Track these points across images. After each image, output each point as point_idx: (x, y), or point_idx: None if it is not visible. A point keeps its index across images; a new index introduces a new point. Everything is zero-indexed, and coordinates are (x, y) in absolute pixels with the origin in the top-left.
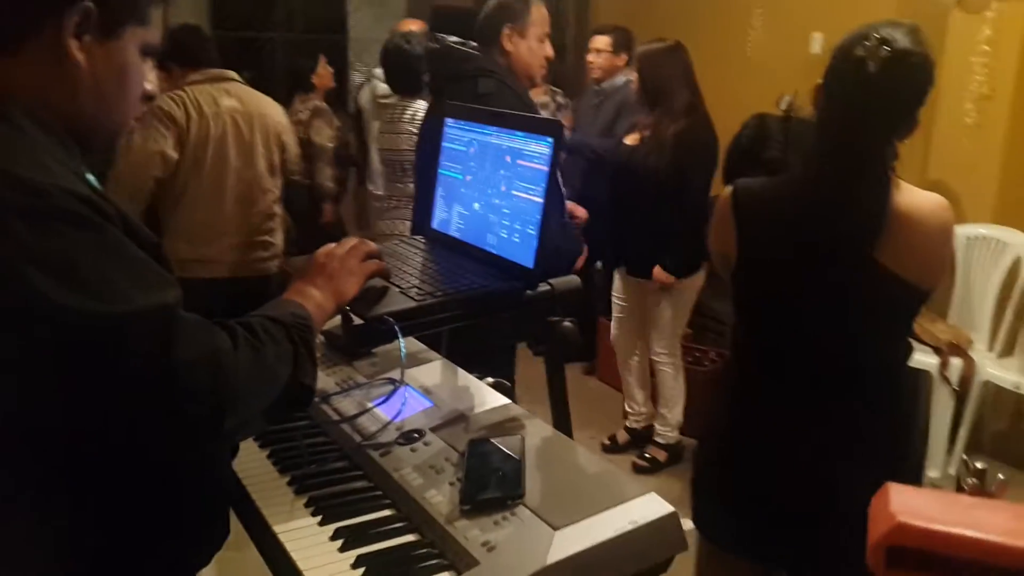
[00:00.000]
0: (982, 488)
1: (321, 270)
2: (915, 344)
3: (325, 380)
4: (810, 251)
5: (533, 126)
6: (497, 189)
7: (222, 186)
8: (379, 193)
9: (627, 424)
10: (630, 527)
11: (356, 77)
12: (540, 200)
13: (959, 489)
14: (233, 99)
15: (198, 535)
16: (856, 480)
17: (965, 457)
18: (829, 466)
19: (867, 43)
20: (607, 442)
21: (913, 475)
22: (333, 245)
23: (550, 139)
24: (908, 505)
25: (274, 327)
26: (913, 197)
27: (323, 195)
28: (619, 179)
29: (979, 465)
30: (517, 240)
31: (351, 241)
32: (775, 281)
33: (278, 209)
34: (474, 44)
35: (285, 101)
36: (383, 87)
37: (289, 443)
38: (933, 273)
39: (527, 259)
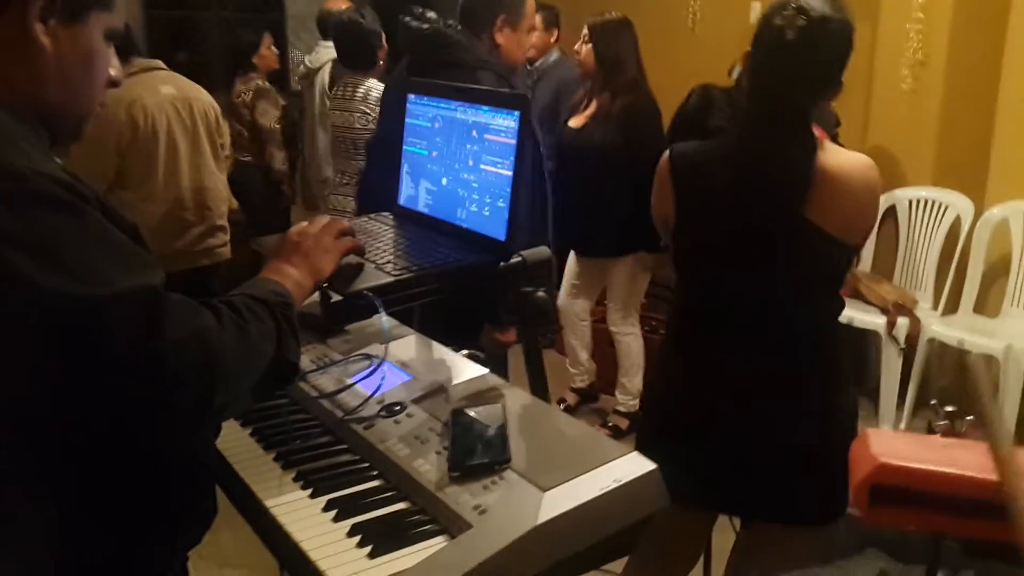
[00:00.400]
0: (952, 430)
1: (296, 248)
2: (863, 305)
3: (301, 358)
4: (742, 210)
5: (499, 100)
6: (465, 164)
7: (176, 177)
8: (326, 174)
9: (572, 386)
10: (614, 485)
11: (295, 56)
12: (509, 173)
13: (930, 432)
14: (169, 86)
15: (187, 515)
16: (791, 430)
17: (934, 402)
18: (765, 417)
19: (785, 12)
20: (559, 406)
21: (848, 426)
22: (306, 223)
23: (517, 112)
24: (888, 447)
25: (256, 305)
26: (839, 157)
27: (280, 179)
28: (565, 161)
29: (948, 408)
30: (487, 214)
31: (324, 219)
32: (710, 241)
33: (227, 193)
34: (453, 24)
35: (225, 82)
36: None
37: (271, 421)
38: (859, 229)
39: (499, 232)
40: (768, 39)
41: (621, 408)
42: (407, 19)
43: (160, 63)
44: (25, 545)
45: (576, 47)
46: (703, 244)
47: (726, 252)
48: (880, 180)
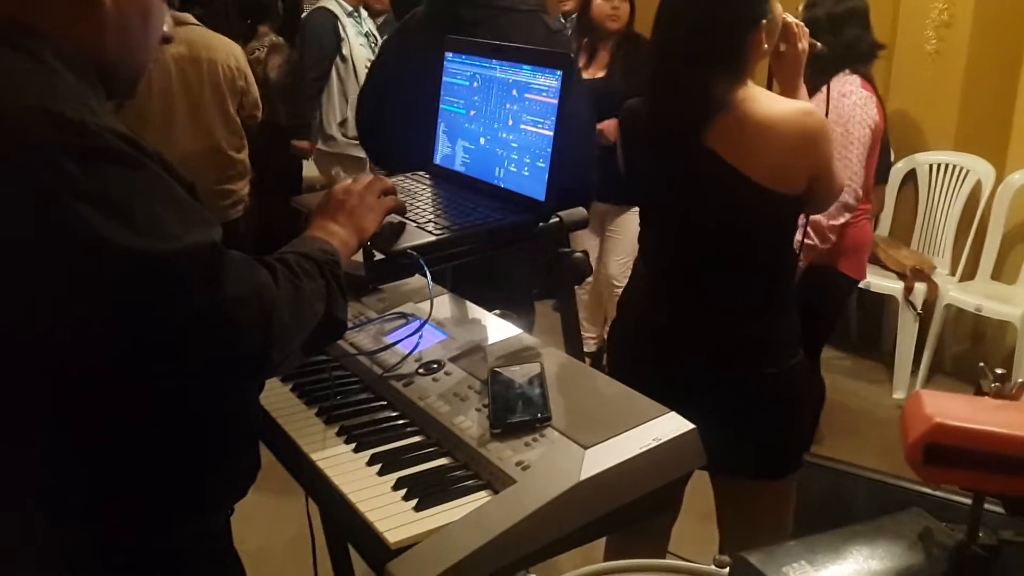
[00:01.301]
0: (1003, 391)
1: (341, 206)
2: (880, 270)
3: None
4: (654, 145)
5: (541, 59)
6: (504, 123)
7: (171, 139)
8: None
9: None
10: (653, 444)
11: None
12: (550, 134)
13: (980, 393)
14: (181, 45)
15: (232, 470)
16: (731, 386)
17: (982, 364)
18: (703, 371)
19: None
20: None
21: (797, 387)
22: (350, 181)
23: (559, 71)
24: (942, 407)
25: (307, 263)
26: (771, 104)
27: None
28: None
29: (999, 371)
30: (527, 174)
31: (367, 177)
32: (645, 185)
33: (239, 156)
34: None
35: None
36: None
37: (311, 377)
38: (791, 176)
39: (538, 192)
40: None
41: None
42: None
43: (190, 17)
44: (71, 499)
45: (611, 5)
46: (642, 189)
47: (656, 195)
48: (823, 126)
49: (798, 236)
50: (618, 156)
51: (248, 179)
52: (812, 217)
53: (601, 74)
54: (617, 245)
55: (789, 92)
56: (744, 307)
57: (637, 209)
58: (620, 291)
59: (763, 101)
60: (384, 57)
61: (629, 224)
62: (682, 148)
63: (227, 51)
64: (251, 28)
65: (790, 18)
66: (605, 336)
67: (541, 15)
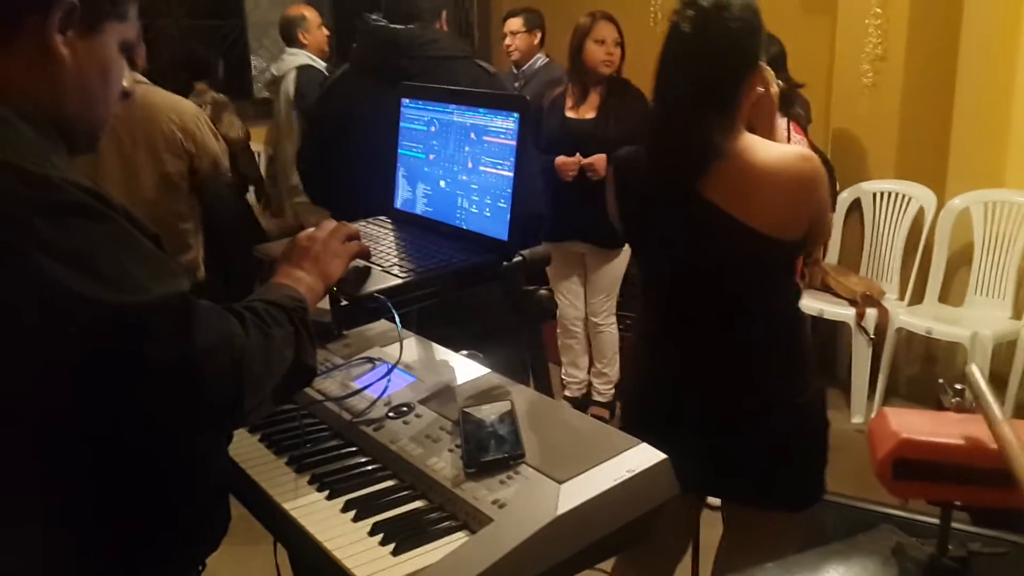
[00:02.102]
0: (963, 405)
1: (305, 253)
2: (831, 297)
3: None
4: (656, 191)
5: (497, 102)
6: (464, 166)
7: None
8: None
9: (566, 394)
10: (628, 475)
11: (258, 63)
12: (510, 174)
13: (941, 409)
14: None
15: (203, 524)
16: (753, 420)
17: (942, 381)
18: (726, 406)
19: (680, 9)
20: None
21: (816, 414)
22: (313, 229)
23: (516, 113)
24: (908, 423)
25: (275, 310)
26: (766, 151)
27: (260, 191)
28: (573, 152)
29: (957, 386)
30: (488, 214)
31: (330, 223)
32: (645, 235)
33: (184, 226)
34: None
35: (182, 94)
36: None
37: (280, 426)
38: (793, 224)
39: (501, 232)
40: (669, 33)
41: (601, 398)
42: (373, 19)
43: (136, 75)
44: (37, 557)
45: (506, 42)
46: (640, 238)
47: (655, 244)
48: (820, 170)
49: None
50: (608, 201)
51: (196, 256)
52: None
53: (591, 115)
54: (598, 286)
55: (768, 134)
56: (758, 354)
57: (620, 250)
58: (603, 331)
59: (761, 149)
60: (324, 109)
61: (610, 265)
62: (680, 198)
63: (170, 110)
64: (186, 84)
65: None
66: (592, 380)
67: (475, 60)
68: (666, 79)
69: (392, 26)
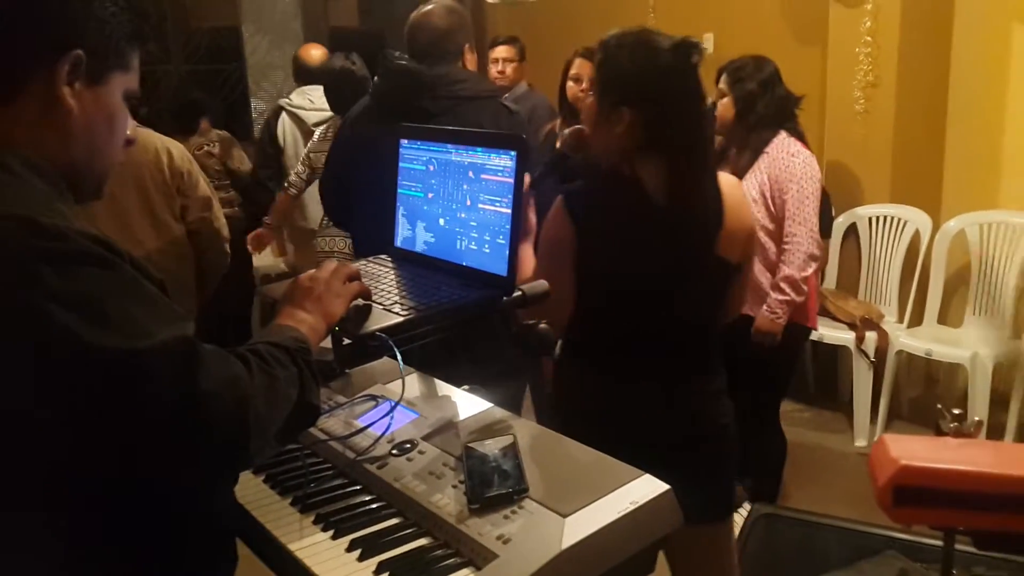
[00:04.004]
0: (962, 430)
1: (308, 294)
2: (831, 322)
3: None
4: (658, 252)
5: (494, 141)
6: (462, 204)
7: None
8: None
9: None
10: (631, 507)
11: (257, 104)
12: (508, 211)
13: (940, 434)
14: None
15: (207, 564)
16: (715, 441)
17: (940, 406)
18: (693, 434)
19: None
20: None
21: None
22: (314, 270)
23: (514, 152)
24: (907, 450)
25: (279, 352)
26: (727, 185)
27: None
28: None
29: (956, 411)
30: (488, 251)
31: (332, 264)
32: (624, 277)
33: (175, 268)
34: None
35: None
36: (306, 112)
37: (283, 467)
38: (736, 244)
39: (500, 268)
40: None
41: None
42: (396, 57)
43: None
44: None
45: (496, 70)
46: (617, 279)
47: (642, 287)
48: (745, 195)
49: (776, 296)
50: (548, 234)
51: (192, 298)
52: (786, 274)
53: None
54: None
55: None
56: (702, 368)
57: None
58: None
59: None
60: (342, 149)
61: None
62: (700, 253)
63: (160, 151)
64: (191, 123)
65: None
66: None
67: (498, 99)
68: (683, 136)
69: (416, 67)
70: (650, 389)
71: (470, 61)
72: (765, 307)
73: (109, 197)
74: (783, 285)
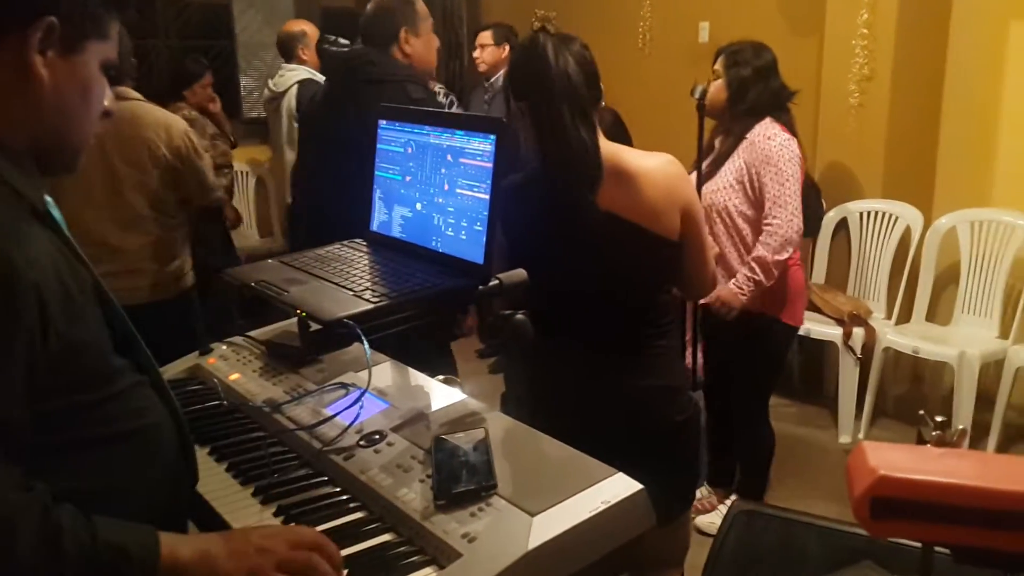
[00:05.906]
0: (944, 438)
1: (242, 558)
2: (818, 316)
3: (273, 390)
4: (546, 213)
5: (475, 124)
6: (440, 188)
7: (83, 224)
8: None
9: None
10: (603, 507)
11: (247, 82)
12: (487, 197)
13: (921, 442)
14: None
15: None
16: (657, 425)
17: (922, 412)
18: (632, 415)
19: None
20: None
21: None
22: (272, 534)
23: (493, 135)
24: (885, 459)
25: (109, 553)
26: (641, 157)
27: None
28: None
29: (939, 419)
30: (465, 238)
31: (297, 532)
32: (528, 247)
33: (172, 235)
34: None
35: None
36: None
37: (247, 455)
38: (668, 220)
39: (477, 256)
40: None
41: None
42: (325, 45)
43: (131, 92)
44: None
45: (475, 54)
46: (524, 252)
47: (541, 255)
48: (682, 170)
49: (745, 272)
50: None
51: (184, 264)
52: (758, 254)
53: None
54: None
55: None
56: (645, 355)
57: None
58: None
59: (629, 153)
60: (305, 124)
61: None
62: (580, 209)
63: (158, 127)
64: (172, 93)
65: None
66: None
67: (405, 84)
68: (540, 92)
69: (336, 51)
70: (567, 375)
71: (416, 44)
72: (732, 280)
73: (106, 169)
74: (754, 264)
